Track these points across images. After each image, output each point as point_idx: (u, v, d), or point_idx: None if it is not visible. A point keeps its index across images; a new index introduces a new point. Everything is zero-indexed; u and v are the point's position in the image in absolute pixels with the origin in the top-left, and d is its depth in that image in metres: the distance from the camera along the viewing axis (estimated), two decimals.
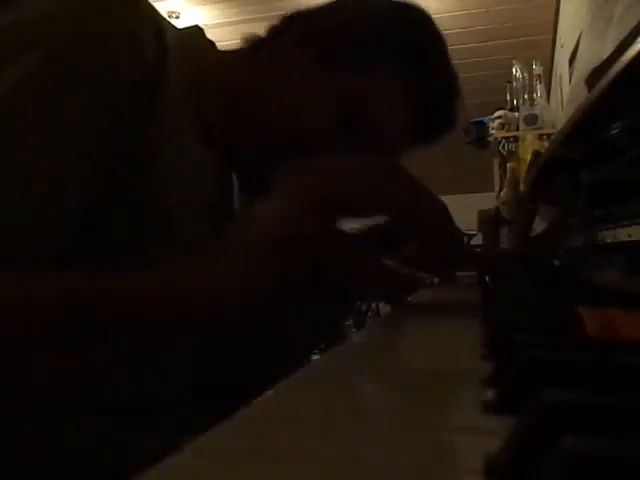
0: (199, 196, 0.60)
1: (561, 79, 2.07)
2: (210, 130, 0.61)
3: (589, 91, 0.65)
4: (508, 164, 2.17)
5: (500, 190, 2.15)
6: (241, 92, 0.62)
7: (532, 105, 2.44)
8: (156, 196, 0.54)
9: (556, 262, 0.93)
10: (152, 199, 0.54)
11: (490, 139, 2.53)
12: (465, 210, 2.29)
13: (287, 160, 0.50)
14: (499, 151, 2.41)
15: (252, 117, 0.62)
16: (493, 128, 2.52)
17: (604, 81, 0.53)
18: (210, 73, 0.62)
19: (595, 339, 0.34)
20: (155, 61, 0.53)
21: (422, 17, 0.71)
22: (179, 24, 0.66)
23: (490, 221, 1.66)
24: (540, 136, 2.31)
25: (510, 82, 2.61)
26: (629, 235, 0.55)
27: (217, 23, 3.87)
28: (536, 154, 1.40)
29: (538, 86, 2.48)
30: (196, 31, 0.65)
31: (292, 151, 0.57)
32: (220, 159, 0.64)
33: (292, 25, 0.65)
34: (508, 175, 1.79)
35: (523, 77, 2.53)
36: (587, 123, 0.63)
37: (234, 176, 0.69)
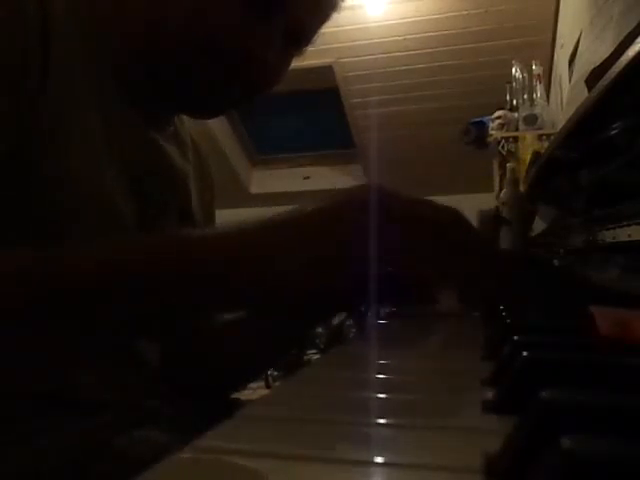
0: (117, 154, 0.57)
1: (561, 79, 2.06)
2: (125, 73, 0.59)
3: (589, 91, 0.65)
4: (508, 164, 2.17)
5: (500, 190, 2.14)
6: (143, 14, 0.58)
7: (532, 105, 2.43)
8: (60, 166, 0.52)
9: (556, 262, 0.93)
10: (56, 168, 0.51)
11: (490, 139, 2.53)
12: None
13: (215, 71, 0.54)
14: (499, 151, 2.40)
15: (160, 33, 0.58)
16: (493, 128, 2.52)
17: (604, 81, 0.53)
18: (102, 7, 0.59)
19: (595, 339, 0.34)
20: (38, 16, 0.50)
21: None
22: None
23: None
24: (540, 136, 2.30)
25: (510, 82, 2.61)
26: (629, 235, 0.55)
27: None
28: (535, 154, 1.40)
29: (538, 86, 2.47)
30: None
31: (206, 54, 0.56)
32: (142, 109, 0.61)
33: None
34: (508, 175, 1.78)
35: (523, 77, 2.53)
36: (587, 123, 0.63)
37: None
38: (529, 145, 2.28)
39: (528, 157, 1.92)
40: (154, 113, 0.64)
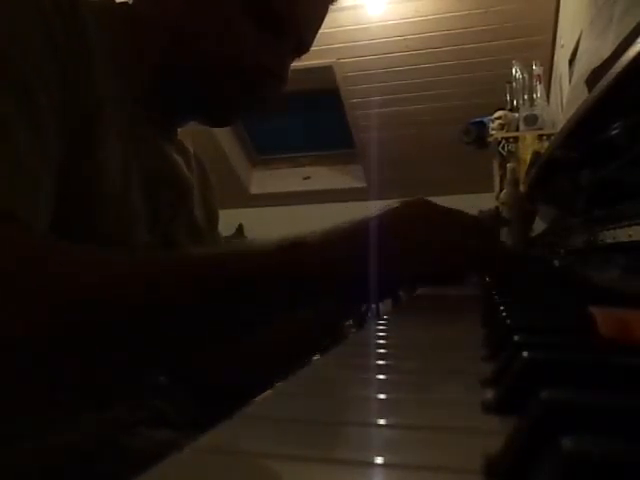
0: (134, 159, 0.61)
1: (561, 79, 2.06)
2: (143, 83, 0.63)
3: (589, 91, 0.65)
4: (508, 164, 2.16)
5: (500, 190, 2.14)
6: (165, 30, 0.63)
7: (532, 105, 2.43)
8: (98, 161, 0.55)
9: (556, 262, 0.93)
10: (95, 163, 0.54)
11: (490, 139, 2.53)
12: (465, 210, 2.28)
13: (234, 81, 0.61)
14: (499, 151, 2.40)
15: (186, 50, 0.63)
16: (493, 128, 2.52)
17: (604, 81, 0.53)
18: (125, 22, 0.64)
19: (595, 339, 0.34)
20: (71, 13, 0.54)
21: None
22: None
23: (490, 221, 1.66)
24: (540, 136, 2.30)
25: (510, 82, 2.61)
26: (629, 235, 0.55)
27: None
28: (535, 154, 1.40)
29: (538, 86, 2.47)
30: None
31: (225, 66, 0.62)
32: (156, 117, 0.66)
33: None
34: (508, 175, 1.78)
35: (523, 77, 2.52)
36: (587, 123, 0.63)
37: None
38: (529, 145, 2.28)
39: (528, 157, 1.92)
40: (165, 124, 0.69)
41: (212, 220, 0.79)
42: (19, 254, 0.43)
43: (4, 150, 0.46)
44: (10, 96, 0.47)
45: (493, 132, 2.51)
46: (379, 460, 0.19)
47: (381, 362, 0.36)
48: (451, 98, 3.61)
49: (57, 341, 0.42)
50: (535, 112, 2.39)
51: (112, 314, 0.44)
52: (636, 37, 0.48)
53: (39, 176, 0.48)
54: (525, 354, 0.25)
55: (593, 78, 0.66)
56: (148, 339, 0.46)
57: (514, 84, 2.58)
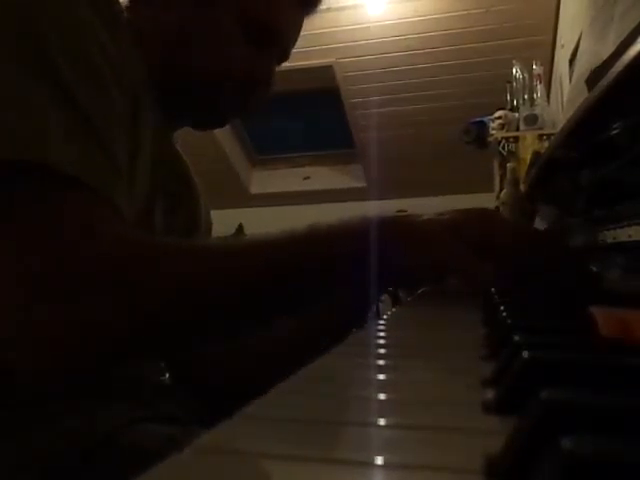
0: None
1: (561, 79, 2.06)
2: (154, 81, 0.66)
3: (589, 91, 0.65)
4: (508, 164, 2.16)
5: (500, 190, 2.14)
6: (165, 37, 0.67)
7: (532, 105, 2.43)
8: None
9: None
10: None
11: (490, 139, 2.53)
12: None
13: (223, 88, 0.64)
14: (499, 151, 2.40)
15: (184, 56, 0.68)
16: (493, 128, 2.51)
17: (604, 81, 0.53)
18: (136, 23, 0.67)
19: (595, 339, 0.34)
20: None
21: None
22: None
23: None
24: (540, 136, 2.30)
25: (510, 82, 2.61)
26: (629, 235, 0.55)
27: None
28: (536, 154, 1.40)
29: (538, 86, 2.47)
30: None
31: (217, 74, 0.67)
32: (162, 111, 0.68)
33: None
34: (508, 175, 1.78)
35: (523, 77, 2.52)
36: (587, 123, 0.63)
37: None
38: (529, 145, 2.28)
39: (528, 157, 1.92)
40: (170, 125, 0.72)
41: (207, 226, 0.82)
42: (127, 250, 0.47)
43: (94, 135, 0.48)
44: (90, 86, 0.50)
45: (493, 132, 2.51)
46: (379, 460, 0.19)
47: (381, 362, 0.36)
48: (451, 98, 3.61)
49: (166, 329, 0.48)
50: (535, 112, 2.39)
51: (219, 299, 0.49)
52: (636, 37, 0.48)
53: (120, 161, 0.51)
54: (525, 354, 0.25)
55: (593, 78, 0.66)
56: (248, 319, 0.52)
57: (514, 84, 2.58)
